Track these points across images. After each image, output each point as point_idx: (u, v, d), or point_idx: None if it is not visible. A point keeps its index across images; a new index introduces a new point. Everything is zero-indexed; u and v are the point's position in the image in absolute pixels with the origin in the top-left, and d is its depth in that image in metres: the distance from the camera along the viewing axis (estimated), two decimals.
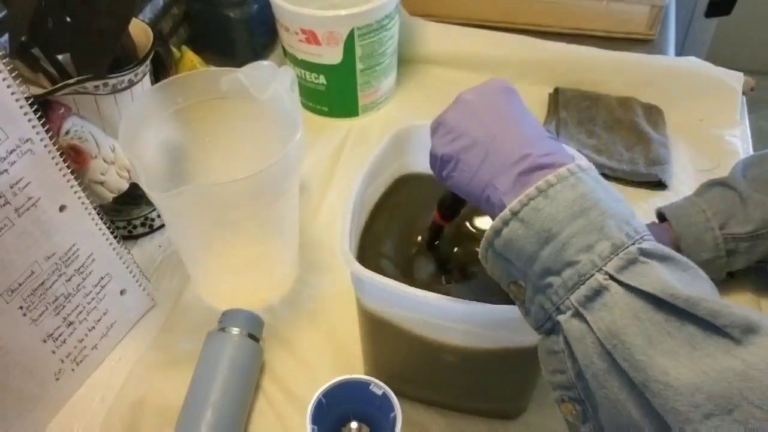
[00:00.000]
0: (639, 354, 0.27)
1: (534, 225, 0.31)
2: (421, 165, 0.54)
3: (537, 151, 0.33)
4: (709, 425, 0.25)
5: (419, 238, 0.50)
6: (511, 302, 0.40)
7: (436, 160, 0.38)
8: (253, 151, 0.55)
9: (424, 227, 0.51)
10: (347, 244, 0.42)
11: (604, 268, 0.29)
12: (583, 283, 0.29)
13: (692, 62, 0.77)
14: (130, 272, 0.56)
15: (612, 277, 0.29)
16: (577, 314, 0.30)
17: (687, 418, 0.25)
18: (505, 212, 0.32)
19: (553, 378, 0.32)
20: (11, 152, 0.44)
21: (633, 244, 0.29)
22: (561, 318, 0.30)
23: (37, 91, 0.51)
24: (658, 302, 0.28)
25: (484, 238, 0.33)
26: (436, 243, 0.49)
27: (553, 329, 0.31)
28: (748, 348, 0.26)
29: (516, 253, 0.32)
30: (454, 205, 0.46)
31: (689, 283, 0.29)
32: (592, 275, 0.29)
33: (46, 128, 0.46)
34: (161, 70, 0.64)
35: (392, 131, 0.51)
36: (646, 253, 0.29)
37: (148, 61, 0.56)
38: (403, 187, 0.54)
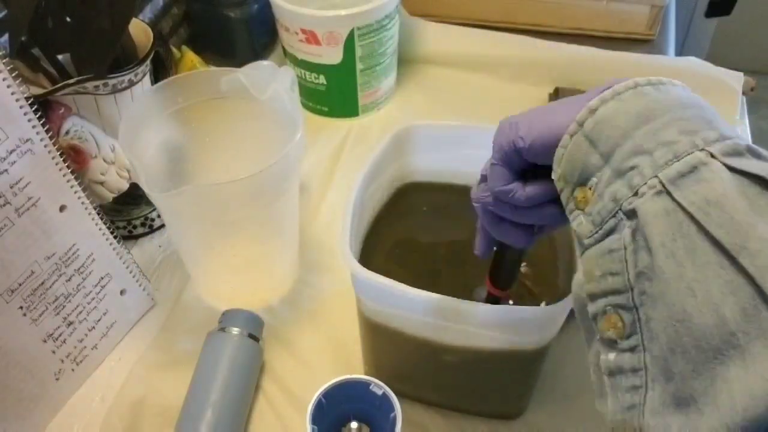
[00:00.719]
0: (740, 215, 0.23)
1: (636, 105, 0.28)
2: (422, 165, 0.54)
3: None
4: None
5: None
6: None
7: (509, 124, 0.33)
8: (253, 151, 0.55)
9: (427, 229, 0.51)
10: (347, 244, 0.42)
11: (708, 149, 0.25)
12: (678, 160, 0.26)
13: (692, 62, 0.77)
14: (130, 272, 0.56)
15: (714, 157, 0.25)
16: (663, 192, 0.26)
17: None
18: (607, 92, 0.29)
19: (600, 285, 0.27)
20: (11, 152, 0.44)
21: (742, 141, 0.26)
22: (638, 202, 0.26)
23: (37, 91, 0.51)
24: (765, 184, 0.24)
25: (574, 122, 0.29)
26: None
27: (616, 228, 0.27)
28: None
29: (606, 131, 0.28)
30: (512, 272, 0.42)
31: None
32: (692, 153, 0.25)
33: (46, 128, 0.46)
34: (161, 70, 0.64)
35: (392, 131, 0.51)
36: (754, 152, 0.26)
37: (148, 61, 0.56)
38: (406, 191, 0.54)
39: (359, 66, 0.73)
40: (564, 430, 0.50)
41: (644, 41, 0.86)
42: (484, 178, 0.36)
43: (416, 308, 0.42)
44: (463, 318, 0.41)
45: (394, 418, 0.41)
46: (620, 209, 0.27)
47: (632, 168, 0.27)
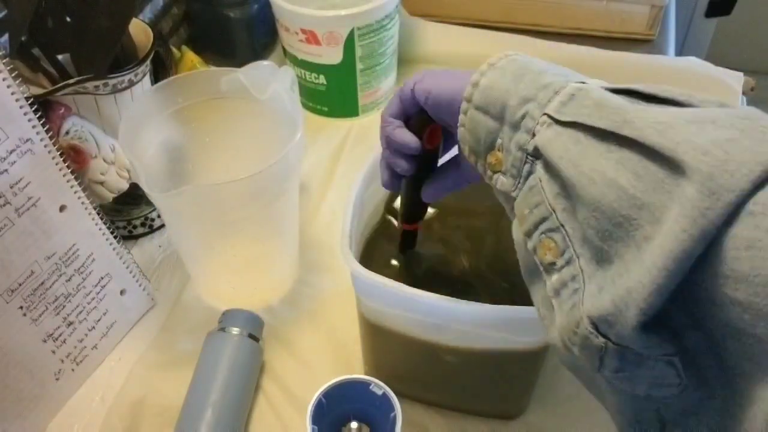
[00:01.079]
0: (617, 104, 0.27)
1: (511, 68, 0.33)
2: None
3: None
4: (693, 128, 0.24)
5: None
6: (511, 302, 0.40)
7: (415, 78, 0.39)
8: (253, 151, 0.55)
9: (428, 230, 0.51)
10: (347, 244, 0.42)
11: (581, 81, 0.30)
12: (558, 93, 0.30)
13: (692, 62, 0.77)
14: (130, 272, 0.56)
15: (584, 83, 0.30)
16: (552, 122, 0.29)
17: (668, 125, 0.25)
18: (483, 66, 0.34)
19: (530, 219, 0.30)
20: (11, 152, 0.44)
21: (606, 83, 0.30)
22: (535, 139, 0.30)
23: (37, 91, 0.51)
24: (631, 94, 0.28)
25: (463, 100, 0.34)
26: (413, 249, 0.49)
27: (531, 169, 0.31)
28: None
29: (493, 96, 0.32)
30: (411, 212, 0.46)
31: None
32: (568, 85, 0.30)
33: (46, 128, 0.46)
34: (161, 70, 0.64)
35: None
36: (615, 89, 0.30)
37: (148, 61, 0.56)
38: None
39: (359, 66, 0.73)
40: (564, 430, 0.50)
41: (644, 41, 0.86)
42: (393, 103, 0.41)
43: (416, 308, 0.42)
44: (462, 318, 0.41)
45: (394, 418, 0.41)
46: (527, 153, 0.31)
47: (524, 116, 0.31)
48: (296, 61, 0.75)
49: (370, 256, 0.49)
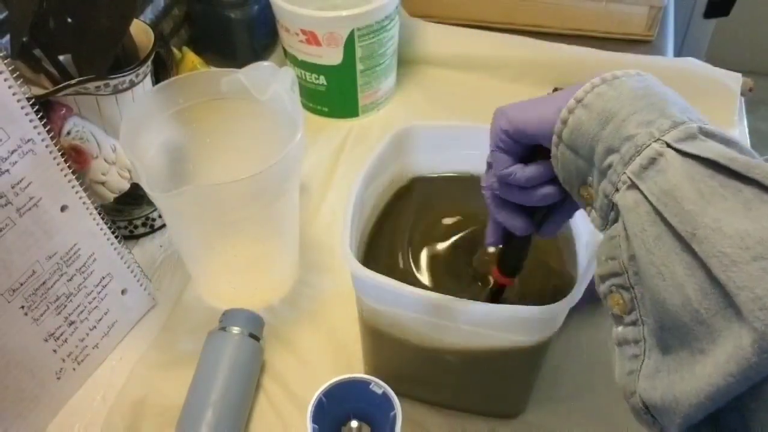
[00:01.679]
0: (690, 204, 0.26)
1: (596, 108, 0.31)
2: (422, 165, 0.55)
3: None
4: (756, 267, 0.23)
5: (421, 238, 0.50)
6: (510, 301, 0.41)
7: (500, 115, 0.37)
8: (253, 151, 0.55)
9: (428, 229, 0.51)
10: (347, 244, 0.43)
11: (662, 139, 0.28)
12: (639, 154, 0.29)
13: (691, 63, 0.77)
14: (131, 272, 0.56)
15: (668, 146, 0.28)
16: (632, 186, 0.29)
17: (733, 261, 0.24)
18: (570, 101, 0.32)
19: (604, 268, 0.31)
20: (13, 152, 0.44)
21: (694, 124, 0.29)
22: (617, 196, 0.30)
23: (38, 91, 0.51)
24: (714, 166, 0.27)
25: (554, 135, 0.33)
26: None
27: (616, 218, 0.31)
28: None
29: (581, 139, 0.32)
30: (518, 260, 0.43)
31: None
32: (649, 145, 0.29)
33: (47, 128, 0.46)
34: (162, 70, 0.64)
35: (392, 131, 0.51)
36: (706, 133, 0.29)
37: (149, 62, 0.57)
38: (406, 189, 0.55)
39: (359, 67, 0.73)
40: (564, 429, 0.50)
41: (643, 42, 0.86)
42: (489, 166, 0.39)
43: (416, 308, 0.42)
44: (462, 317, 0.41)
45: (394, 417, 0.41)
46: (612, 203, 0.31)
47: (609, 166, 0.30)
48: (296, 62, 0.75)
49: (370, 256, 0.50)
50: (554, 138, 0.33)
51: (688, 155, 0.28)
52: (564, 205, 0.39)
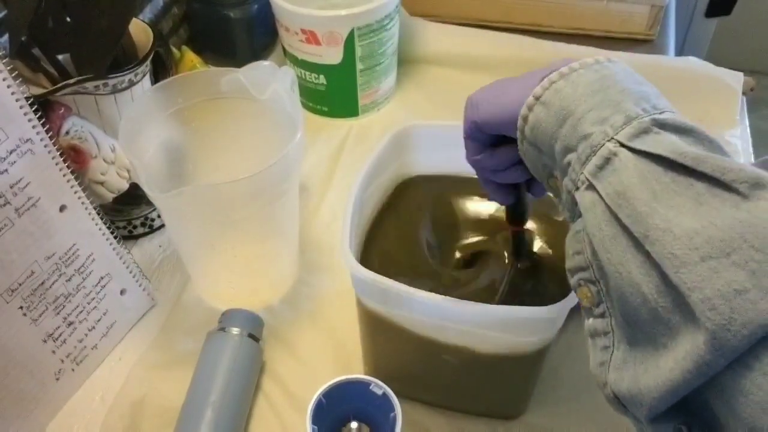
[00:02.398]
0: (642, 206, 0.27)
1: (554, 105, 0.31)
2: (422, 165, 0.54)
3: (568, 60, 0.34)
4: (705, 267, 0.24)
5: (425, 239, 0.50)
6: (509, 303, 0.40)
7: (470, 106, 0.38)
8: (253, 151, 0.55)
9: (427, 229, 0.51)
10: (348, 244, 0.42)
11: (615, 137, 0.29)
12: (595, 154, 0.29)
13: (692, 62, 0.77)
14: (130, 272, 0.56)
15: (622, 144, 0.29)
16: (589, 186, 0.29)
17: (683, 262, 0.24)
18: (529, 99, 0.32)
19: (572, 262, 0.31)
20: (11, 152, 0.44)
21: (649, 116, 0.29)
22: (577, 195, 0.30)
23: (37, 91, 0.51)
24: (666, 163, 0.27)
25: (518, 131, 0.34)
26: (525, 251, 0.49)
27: (579, 212, 0.31)
28: (756, 202, 0.24)
29: (542, 137, 0.32)
30: (520, 215, 0.46)
31: (704, 150, 0.28)
32: (603, 145, 0.29)
33: (46, 128, 0.46)
34: (161, 70, 0.64)
35: (392, 131, 0.51)
36: (660, 124, 0.29)
37: (148, 61, 0.56)
38: (406, 190, 0.54)
39: (359, 66, 0.73)
40: (564, 430, 0.50)
41: (644, 41, 0.86)
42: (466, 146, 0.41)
43: (416, 308, 0.42)
44: (462, 318, 0.41)
45: (394, 418, 0.41)
46: (574, 198, 0.31)
47: (568, 164, 0.31)
48: (296, 61, 0.75)
49: (370, 256, 0.49)
50: (518, 134, 0.34)
51: (640, 153, 0.28)
52: None
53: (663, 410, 0.26)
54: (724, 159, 0.26)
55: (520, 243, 0.48)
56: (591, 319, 0.31)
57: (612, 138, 0.29)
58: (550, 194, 0.35)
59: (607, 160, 0.29)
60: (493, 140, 0.39)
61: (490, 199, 0.44)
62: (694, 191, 0.26)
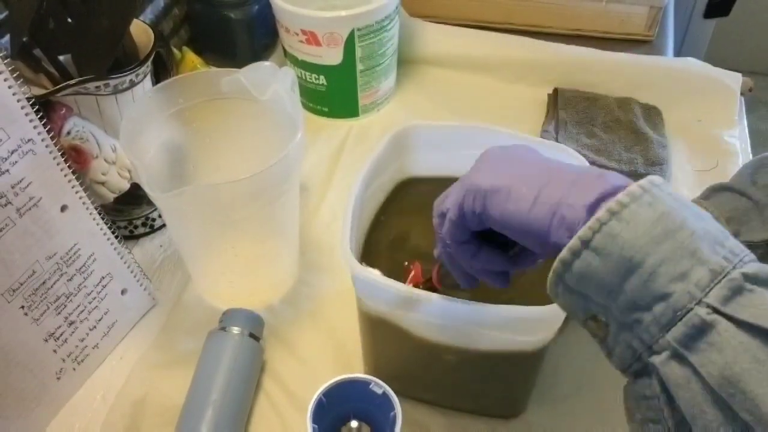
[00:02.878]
0: (765, 405, 0.23)
1: (611, 254, 0.27)
2: (422, 166, 0.55)
3: (609, 176, 0.29)
4: None
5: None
6: (510, 302, 0.41)
7: (475, 194, 0.33)
8: (253, 151, 0.55)
9: (427, 229, 0.51)
10: (348, 244, 0.43)
11: (705, 300, 0.25)
12: (681, 319, 0.25)
13: (691, 63, 0.77)
14: (131, 272, 0.56)
15: (717, 311, 0.25)
16: (677, 356, 0.26)
17: None
18: (574, 241, 0.28)
19: (643, 428, 0.28)
20: (13, 152, 0.44)
21: (734, 268, 0.25)
22: (656, 360, 0.26)
23: (38, 91, 0.51)
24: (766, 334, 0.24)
25: (551, 272, 0.29)
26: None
27: (644, 371, 0.27)
28: None
29: (594, 287, 0.28)
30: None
31: None
32: (691, 309, 0.25)
33: (47, 128, 0.46)
34: (162, 70, 0.64)
35: (392, 131, 0.51)
36: (751, 279, 0.25)
37: (149, 62, 0.57)
38: (406, 190, 0.55)
39: (359, 67, 0.73)
40: (563, 429, 0.50)
41: (643, 42, 0.86)
42: (442, 217, 0.36)
43: (416, 308, 0.42)
44: (462, 318, 0.41)
45: (394, 417, 0.41)
46: (639, 359, 0.27)
47: (636, 322, 0.27)
48: (296, 62, 0.75)
49: (370, 255, 0.50)
50: (552, 276, 0.29)
51: (743, 325, 0.25)
52: (519, 262, 0.36)
53: None
54: None
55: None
56: None
57: (701, 301, 0.25)
58: (587, 330, 0.30)
59: (701, 330, 0.25)
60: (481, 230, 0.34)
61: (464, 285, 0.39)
62: None
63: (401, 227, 0.52)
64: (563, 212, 0.29)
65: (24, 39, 0.54)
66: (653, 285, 0.26)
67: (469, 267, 0.36)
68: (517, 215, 0.31)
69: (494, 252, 0.35)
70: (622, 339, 0.28)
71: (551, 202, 0.29)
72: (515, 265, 0.36)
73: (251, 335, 0.52)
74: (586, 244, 0.27)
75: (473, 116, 0.76)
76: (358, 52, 0.72)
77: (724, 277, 0.25)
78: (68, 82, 0.51)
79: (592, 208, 0.28)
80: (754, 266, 0.26)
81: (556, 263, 0.29)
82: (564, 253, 0.28)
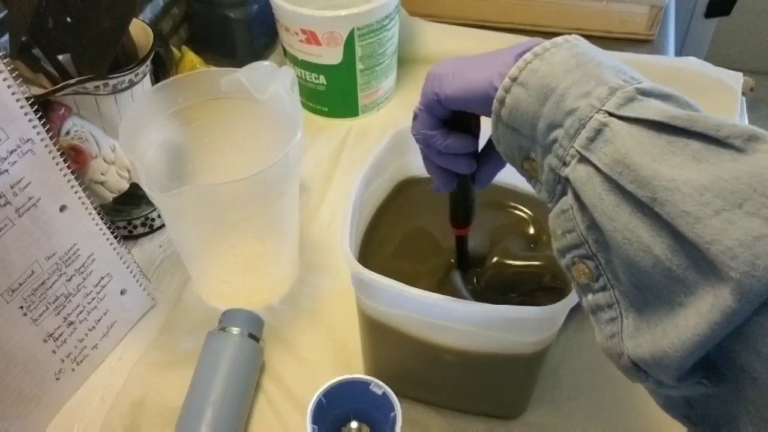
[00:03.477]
0: (644, 170, 0.27)
1: (533, 85, 0.31)
2: (422, 165, 0.54)
3: (539, 40, 0.34)
4: (720, 219, 0.24)
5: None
6: (510, 302, 0.40)
7: (432, 80, 0.39)
8: (253, 151, 0.55)
9: (427, 229, 0.51)
10: (347, 244, 0.42)
11: (603, 108, 0.29)
12: (584, 127, 0.29)
13: (692, 62, 0.77)
14: (131, 272, 0.56)
15: (611, 114, 0.29)
16: (582, 159, 0.29)
17: (697, 218, 0.25)
18: (505, 81, 0.32)
19: (563, 242, 0.31)
20: (12, 152, 0.44)
21: (630, 86, 0.29)
22: (567, 170, 0.30)
23: (37, 91, 0.51)
24: (658, 126, 0.28)
25: (492, 114, 0.33)
26: (466, 257, 0.48)
27: (564, 190, 0.31)
28: (754, 155, 0.25)
29: (521, 118, 0.32)
30: (464, 210, 0.46)
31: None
32: (592, 117, 0.29)
33: (46, 128, 0.46)
34: (161, 70, 0.64)
35: (392, 131, 0.51)
36: (643, 92, 0.29)
37: (148, 62, 0.56)
38: (406, 190, 0.54)
39: (359, 66, 0.73)
40: (564, 430, 0.50)
41: (644, 41, 0.86)
42: (415, 117, 0.41)
43: (416, 308, 0.42)
44: (462, 318, 0.41)
45: (394, 418, 0.41)
46: (559, 176, 0.31)
47: (554, 141, 0.31)
48: (296, 62, 0.75)
49: (370, 255, 0.49)
50: (493, 117, 0.34)
51: (631, 120, 0.28)
52: (491, 157, 0.41)
53: (689, 367, 0.26)
54: (714, 117, 0.27)
55: (463, 250, 0.48)
56: (591, 295, 0.31)
57: (600, 109, 0.29)
58: (525, 177, 0.35)
59: (598, 132, 0.29)
60: (447, 118, 0.39)
61: (433, 188, 0.44)
62: (691, 150, 0.27)
63: (401, 227, 0.52)
64: (500, 69, 0.33)
65: (23, 38, 0.54)
66: (564, 104, 0.30)
67: (442, 156, 0.41)
68: (464, 85, 0.36)
69: (461, 135, 0.40)
70: (546, 164, 0.32)
71: (491, 65, 0.34)
72: (480, 149, 0.42)
73: (251, 335, 0.52)
74: (514, 80, 0.32)
75: None
76: (358, 52, 0.72)
77: (620, 91, 0.29)
78: (67, 82, 0.51)
79: (519, 57, 0.33)
80: (649, 84, 0.30)
81: (494, 104, 0.33)
82: (499, 92, 0.33)
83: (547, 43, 0.32)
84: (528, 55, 0.32)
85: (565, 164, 0.30)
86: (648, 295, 0.28)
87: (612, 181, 0.28)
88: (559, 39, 0.32)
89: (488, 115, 0.35)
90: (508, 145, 0.34)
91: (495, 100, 0.33)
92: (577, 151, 0.29)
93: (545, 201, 0.33)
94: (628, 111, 0.29)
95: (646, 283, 0.27)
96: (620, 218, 0.28)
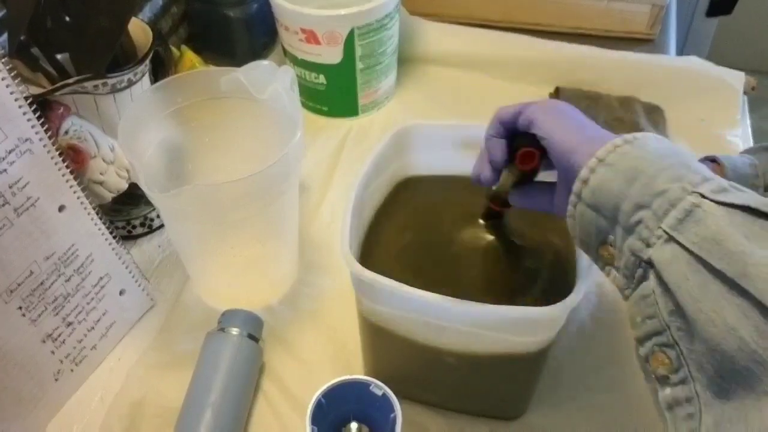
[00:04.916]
0: (736, 246, 0.26)
1: (621, 166, 0.32)
2: (422, 165, 0.54)
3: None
4: None
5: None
6: (511, 302, 0.40)
7: (549, 114, 0.39)
8: (252, 151, 0.55)
9: (427, 229, 0.51)
10: (347, 244, 0.42)
11: (696, 191, 0.29)
12: (674, 207, 0.29)
13: (693, 62, 0.77)
14: (130, 272, 0.55)
15: (704, 196, 0.29)
16: (669, 239, 0.29)
17: None
18: (592, 160, 0.32)
19: (643, 329, 0.30)
20: (10, 152, 0.44)
21: (723, 181, 0.30)
22: (651, 252, 0.30)
23: (36, 90, 0.51)
24: (753, 212, 0.28)
25: (572, 194, 0.34)
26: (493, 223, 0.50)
27: (645, 275, 0.31)
28: None
29: (605, 197, 0.32)
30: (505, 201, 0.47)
31: None
32: (683, 198, 0.29)
33: (45, 128, 0.46)
34: (160, 69, 0.63)
35: (392, 131, 0.51)
36: (735, 187, 0.30)
37: (147, 61, 0.56)
38: (405, 189, 0.54)
39: (359, 65, 0.73)
40: (564, 430, 0.50)
41: (645, 41, 0.86)
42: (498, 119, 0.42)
43: (416, 308, 0.42)
44: (462, 318, 0.41)
45: (394, 419, 0.41)
46: (641, 260, 0.30)
47: (638, 222, 0.30)
48: (296, 61, 0.74)
49: (370, 255, 0.49)
50: (572, 197, 0.34)
51: (726, 204, 0.28)
52: (539, 196, 0.42)
53: None
54: None
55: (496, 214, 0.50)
56: (669, 389, 0.29)
57: (693, 191, 0.29)
58: (598, 266, 0.34)
59: (689, 212, 0.29)
60: (509, 142, 0.41)
61: (479, 180, 0.44)
62: None
63: (401, 227, 0.52)
64: (591, 139, 0.34)
65: (22, 37, 0.54)
66: (653, 185, 0.30)
67: (494, 154, 0.43)
68: (562, 139, 0.37)
69: (532, 193, 0.43)
70: (627, 247, 0.31)
71: (586, 135, 0.35)
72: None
73: (250, 336, 0.52)
74: (601, 161, 0.32)
75: (474, 115, 0.75)
76: (358, 51, 0.71)
77: (713, 180, 0.30)
78: (66, 81, 0.51)
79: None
80: (740, 186, 0.30)
81: (576, 183, 0.33)
82: (583, 171, 0.33)
83: (638, 134, 0.33)
84: (618, 140, 0.33)
85: (648, 246, 0.30)
86: (731, 384, 0.27)
87: (700, 260, 0.28)
88: (649, 133, 0.33)
89: (557, 170, 0.37)
90: (586, 228, 0.34)
91: (577, 180, 0.33)
92: (664, 231, 0.29)
93: (622, 287, 0.32)
94: (722, 197, 0.29)
95: (731, 369, 0.26)
96: (706, 299, 0.27)
